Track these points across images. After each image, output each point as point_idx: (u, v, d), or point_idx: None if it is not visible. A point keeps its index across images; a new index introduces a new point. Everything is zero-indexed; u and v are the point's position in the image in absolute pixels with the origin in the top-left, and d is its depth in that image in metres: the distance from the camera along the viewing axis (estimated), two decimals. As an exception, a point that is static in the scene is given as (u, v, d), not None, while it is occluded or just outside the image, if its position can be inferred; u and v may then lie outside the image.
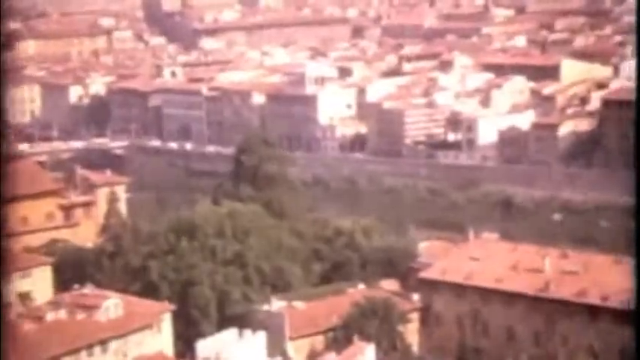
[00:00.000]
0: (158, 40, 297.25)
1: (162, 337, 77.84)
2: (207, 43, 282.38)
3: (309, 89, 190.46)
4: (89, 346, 72.16)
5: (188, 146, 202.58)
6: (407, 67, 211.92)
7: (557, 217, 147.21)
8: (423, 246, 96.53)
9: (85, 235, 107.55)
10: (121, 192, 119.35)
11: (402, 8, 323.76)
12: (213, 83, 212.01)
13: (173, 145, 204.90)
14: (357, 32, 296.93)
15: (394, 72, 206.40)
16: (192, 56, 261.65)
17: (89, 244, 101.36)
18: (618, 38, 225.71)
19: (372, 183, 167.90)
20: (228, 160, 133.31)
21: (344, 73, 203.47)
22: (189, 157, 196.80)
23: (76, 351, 71.26)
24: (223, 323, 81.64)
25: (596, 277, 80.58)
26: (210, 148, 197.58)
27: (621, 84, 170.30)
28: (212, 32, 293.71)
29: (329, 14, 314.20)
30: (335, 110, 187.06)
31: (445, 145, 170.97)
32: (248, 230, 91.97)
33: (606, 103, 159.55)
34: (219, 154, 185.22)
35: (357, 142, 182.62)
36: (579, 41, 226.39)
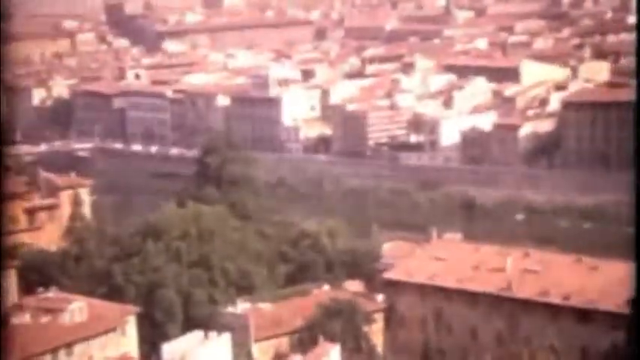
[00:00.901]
0: (121, 43, 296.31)
1: (128, 340, 77.89)
2: (170, 45, 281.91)
3: (273, 91, 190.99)
4: (54, 350, 72.10)
5: (152, 149, 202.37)
6: (370, 68, 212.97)
7: (519, 217, 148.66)
8: (386, 247, 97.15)
9: (49, 238, 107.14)
10: (85, 195, 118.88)
11: (365, 10, 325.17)
12: (177, 86, 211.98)
13: (137, 147, 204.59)
14: (320, 34, 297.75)
15: (357, 74, 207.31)
16: (155, 59, 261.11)
17: (53, 248, 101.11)
18: (576, 41, 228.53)
19: (337, 184, 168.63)
20: (193, 163, 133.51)
21: (307, 75, 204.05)
22: (153, 160, 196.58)
23: (40, 354, 71.19)
24: (188, 325, 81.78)
25: (557, 276, 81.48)
26: (175, 151, 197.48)
27: (579, 86, 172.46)
28: (175, 35, 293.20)
29: (292, 16, 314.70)
30: (299, 112, 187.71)
31: (408, 147, 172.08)
32: (213, 232, 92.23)
33: (566, 104, 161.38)
34: (183, 157, 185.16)
35: (321, 144, 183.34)
36: (538, 43, 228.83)
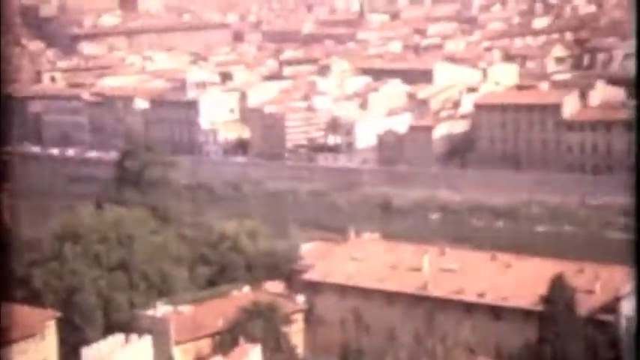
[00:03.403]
0: (37, 46, 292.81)
1: (47, 345, 77.55)
2: (87, 48, 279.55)
3: (191, 94, 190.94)
4: (-26, 356, 71.68)
5: (70, 152, 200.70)
6: (287, 71, 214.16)
7: (434, 216, 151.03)
8: (305, 248, 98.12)
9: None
10: (2, 199, 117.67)
11: (281, 13, 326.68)
12: (94, 89, 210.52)
13: (54, 151, 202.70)
14: (237, 37, 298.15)
15: (275, 76, 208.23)
16: (72, 62, 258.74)
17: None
18: (486, 44, 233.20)
19: (255, 186, 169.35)
20: (111, 166, 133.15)
21: (225, 77, 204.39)
22: (71, 163, 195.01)
23: (-41, 360, 70.73)
24: (109, 329, 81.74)
25: (472, 274, 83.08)
26: (93, 154, 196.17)
27: (490, 88, 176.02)
28: (92, 37, 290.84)
29: (209, 19, 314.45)
30: (217, 115, 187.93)
31: (325, 148, 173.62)
32: (132, 235, 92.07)
33: (477, 106, 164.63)
34: (101, 160, 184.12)
35: (240, 146, 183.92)
36: (450, 46, 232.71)
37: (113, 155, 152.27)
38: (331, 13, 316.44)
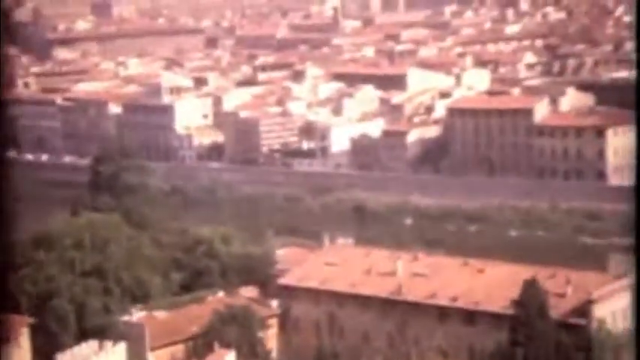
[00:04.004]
0: (10, 50, 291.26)
1: (21, 351, 77.47)
2: (60, 53, 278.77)
3: (165, 99, 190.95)
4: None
5: (44, 157, 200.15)
6: (261, 76, 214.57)
7: (408, 221, 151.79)
8: (280, 253, 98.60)
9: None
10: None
11: (255, 19, 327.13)
12: (68, 94, 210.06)
13: (29, 156, 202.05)
14: (211, 43, 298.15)
15: (249, 81, 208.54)
16: (45, 67, 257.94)
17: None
18: (459, 50, 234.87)
19: (230, 191, 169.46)
20: (85, 171, 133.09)
21: (199, 82, 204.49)
22: (45, 168, 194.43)
23: None
24: (83, 335, 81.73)
25: (445, 279, 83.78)
26: (67, 159, 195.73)
27: (463, 93, 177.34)
28: (65, 42, 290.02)
29: (183, 24, 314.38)
30: (191, 120, 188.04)
31: (300, 153, 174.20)
32: (107, 241, 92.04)
33: (450, 111, 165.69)
34: (76, 165, 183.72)
35: (215, 151, 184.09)
36: (423, 52, 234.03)
37: (87, 160, 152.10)
38: (305, 19, 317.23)
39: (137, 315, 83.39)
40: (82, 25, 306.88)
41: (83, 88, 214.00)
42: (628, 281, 77.64)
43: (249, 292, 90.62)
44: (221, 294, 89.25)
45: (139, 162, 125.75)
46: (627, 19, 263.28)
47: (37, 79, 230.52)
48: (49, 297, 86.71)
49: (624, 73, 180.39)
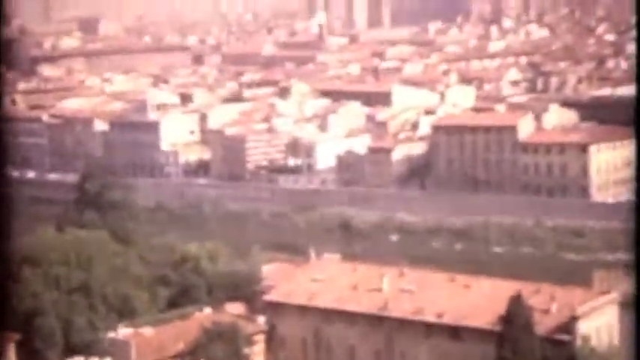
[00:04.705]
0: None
1: (7, 368, 77.49)
2: (46, 70, 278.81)
3: (152, 116, 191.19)
4: None
5: (30, 174, 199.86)
6: (247, 93, 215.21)
7: (393, 237, 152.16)
8: (266, 269, 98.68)
9: None
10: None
11: (241, 36, 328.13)
12: (53, 110, 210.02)
13: (14, 173, 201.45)
14: (198, 60, 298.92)
15: (235, 98, 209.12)
16: (31, 83, 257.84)
17: None
18: (444, 67, 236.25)
19: (216, 207, 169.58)
20: (71, 188, 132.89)
21: (185, 99, 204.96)
22: (31, 185, 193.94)
23: None
24: (69, 352, 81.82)
25: (431, 294, 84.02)
26: (53, 176, 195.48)
27: (447, 110, 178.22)
28: (51, 59, 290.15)
29: (169, 41, 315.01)
30: (178, 136, 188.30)
31: (286, 170, 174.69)
32: (93, 257, 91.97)
33: (435, 128, 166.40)
34: (62, 182, 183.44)
35: (201, 168, 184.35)
36: (408, 69, 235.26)
37: (73, 177, 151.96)
38: (291, 36, 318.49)
39: (123, 332, 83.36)
40: (69, 42, 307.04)
41: (69, 105, 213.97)
42: (614, 297, 78.23)
43: (235, 308, 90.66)
44: (207, 310, 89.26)
45: (124, 179, 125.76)
46: (609, 37, 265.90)
47: (23, 97, 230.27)
48: (34, 314, 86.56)
49: (607, 91, 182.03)
